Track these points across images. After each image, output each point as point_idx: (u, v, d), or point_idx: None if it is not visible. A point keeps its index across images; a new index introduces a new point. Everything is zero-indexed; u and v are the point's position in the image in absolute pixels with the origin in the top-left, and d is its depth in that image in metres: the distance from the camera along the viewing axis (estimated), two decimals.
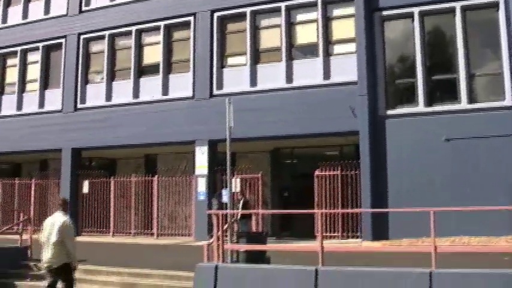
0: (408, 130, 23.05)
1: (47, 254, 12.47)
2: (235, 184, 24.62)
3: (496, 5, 22.60)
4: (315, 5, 25.50)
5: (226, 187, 23.57)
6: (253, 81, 26.37)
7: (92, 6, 31.14)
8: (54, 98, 31.52)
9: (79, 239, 27.57)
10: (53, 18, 32.18)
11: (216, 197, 25.22)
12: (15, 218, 28.15)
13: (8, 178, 33.10)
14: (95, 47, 30.98)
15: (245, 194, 25.68)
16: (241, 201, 24.51)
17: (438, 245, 12.05)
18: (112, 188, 29.45)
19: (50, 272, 12.49)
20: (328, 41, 25.25)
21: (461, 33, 22.80)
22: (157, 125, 27.80)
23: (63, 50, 31.48)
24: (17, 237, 20.46)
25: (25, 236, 20.11)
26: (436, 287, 11.31)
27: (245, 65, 26.66)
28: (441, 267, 11.66)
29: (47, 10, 32.66)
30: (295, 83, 25.56)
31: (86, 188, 29.96)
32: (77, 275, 17.33)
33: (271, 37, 26.47)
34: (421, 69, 23.18)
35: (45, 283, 12.94)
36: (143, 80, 29.24)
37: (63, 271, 12.46)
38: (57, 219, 12.57)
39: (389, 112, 23.57)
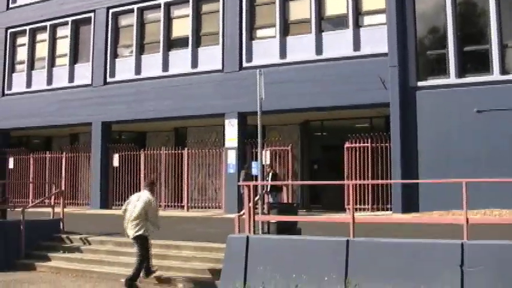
0: (439, 102, 22.88)
1: (129, 226, 14.38)
2: (265, 157, 24.67)
3: None
4: None
5: (256, 160, 23.66)
6: (283, 53, 26.29)
7: None
8: (84, 73, 31.73)
9: (110, 212, 27.98)
10: None
11: (244, 169, 25.29)
12: (47, 191, 28.52)
13: (39, 152, 33.45)
14: (124, 21, 31.05)
15: (274, 167, 25.78)
16: (271, 174, 24.60)
17: (470, 217, 12.00)
18: (142, 161, 29.66)
19: (134, 240, 14.40)
20: (358, 12, 25.06)
21: (493, 3, 22.46)
22: (187, 98, 27.89)
23: (92, 25, 31.61)
24: (49, 210, 20.69)
25: (57, 209, 20.32)
26: (467, 258, 11.30)
27: (274, 37, 26.56)
28: (473, 239, 11.64)
29: None
30: (324, 55, 25.44)
31: (116, 161, 30.21)
32: (110, 247, 17.65)
33: (301, 9, 26.31)
34: (453, 40, 22.91)
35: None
36: (172, 54, 29.29)
37: (138, 243, 14.33)
38: (142, 196, 14.56)
39: (420, 84, 23.38)
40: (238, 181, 24.20)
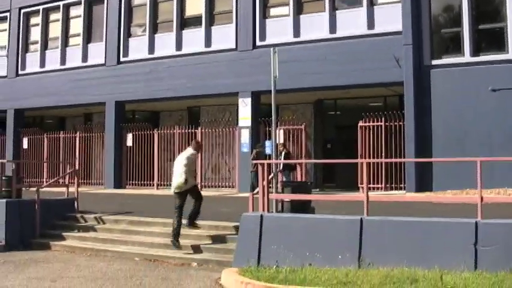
0: (454, 80, 22.79)
1: (176, 180, 15.65)
2: (279, 136, 24.69)
3: None
4: None
5: (269, 139, 23.69)
6: (296, 31, 26.22)
7: None
8: (97, 52, 31.75)
9: (124, 191, 28.13)
10: None
11: (256, 147, 25.31)
12: (61, 171, 28.68)
13: (53, 132, 33.60)
14: (137, 0, 31.00)
15: (287, 146, 25.80)
16: (283, 153, 24.63)
17: (484, 196, 11.98)
18: (155, 141, 29.76)
19: (180, 194, 15.57)
20: None
21: None
22: (200, 77, 27.89)
23: (105, 4, 31.57)
24: (63, 189, 20.79)
25: (71, 189, 20.43)
26: (481, 236, 11.28)
27: (288, 15, 26.48)
28: (487, 218, 11.63)
29: None
30: (338, 33, 25.37)
31: (129, 141, 30.31)
32: (124, 226, 17.75)
33: None
34: (468, 18, 22.74)
35: (175, 203, 15.65)
36: (185, 32, 29.27)
37: (193, 191, 15.91)
38: (186, 152, 16.12)
39: (435, 62, 23.27)
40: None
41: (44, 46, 34.20)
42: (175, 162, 16.21)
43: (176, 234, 15.27)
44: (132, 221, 17.88)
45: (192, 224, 15.89)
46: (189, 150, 16.15)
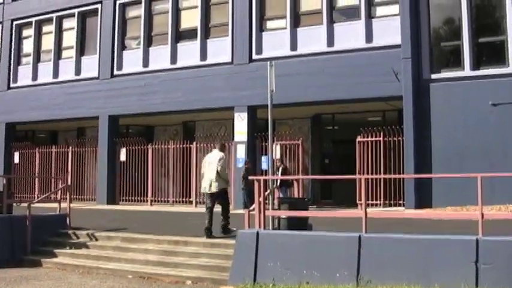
0: (453, 94, 22.78)
1: (206, 182, 16.55)
2: (275, 151, 24.67)
3: None
4: None
5: (266, 154, 23.67)
6: (294, 45, 26.23)
7: None
8: (91, 65, 31.75)
9: (117, 207, 28.04)
10: None
11: (245, 164, 25.32)
12: (53, 186, 28.60)
13: (45, 146, 33.54)
14: (131, 12, 31.06)
15: (284, 161, 25.79)
16: (280, 169, 24.63)
17: (485, 212, 11.96)
18: (150, 156, 29.70)
19: (211, 196, 16.56)
20: (370, 3, 24.95)
21: None
22: (195, 91, 27.87)
23: (99, 16, 31.62)
24: (55, 205, 20.72)
25: (63, 204, 20.35)
26: (482, 254, 11.26)
27: (285, 28, 26.52)
28: (488, 235, 11.60)
29: None
30: (336, 47, 25.37)
31: (123, 156, 30.25)
32: (117, 243, 17.68)
33: None
34: (468, 32, 22.76)
35: (207, 204, 16.67)
36: (181, 45, 29.28)
37: (221, 195, 16.61)
38: (215, 154, 16.86)
39: (434, 76, 23.28)
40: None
41: (37, 59, 34.21)
42: (205, 164, 17.00)
43: (225, 228, 16.50)
44: (125, 237, 17.82)
45: (227, 233, 16.50)
46: (219, 153, 16.90)
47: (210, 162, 16.69)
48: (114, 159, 30.53)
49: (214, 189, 16.46)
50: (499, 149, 21.70)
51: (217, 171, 16.39)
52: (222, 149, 17.18)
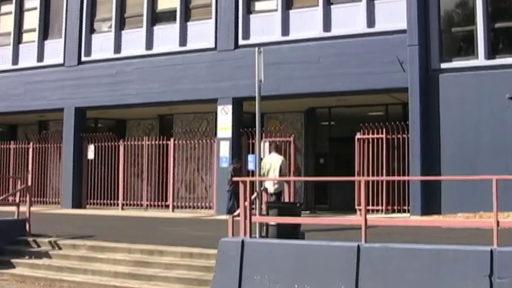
0: (466, 86, 22.81)
1: (271, 183, 19.14)
2: (263, 149, 24.61)
3: None
4: None
5: (252, 152, 23.61)
6: (285, 29, 26.19)
7: None
8: (55, 50, 31.61)
9: (84, 211, 27.96)
10: None
11: (233, 163, 25.22)
12: (11, 187, 28.48)
13: (3, 142, 33.42)
14: None
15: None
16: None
17: (500, 220, 11.93)
18: (121, 153, 29.63)
19: (276, 195, 19.40)
20: None
21: None
22: (174, 81, 27.82)
23: None
24: (13, 208, 20.59)
25: (23, 208, 20.23)
26: (497, 266, 11.24)
27: (276, 10, 26.46)
28: (504, 245, 11.57)
29: None
30: (333, 32, 25.35)
31: (91, 153, 30.19)
32: (83, 252, 17.59)
33: None
34: (482, 16, 22.77)
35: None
36: (157, 29, 29.20)
37: (278, 197, 19.54)
38: (276, 157, 19.73)
39: (444, 65, 23.31)
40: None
41: None
42: (265, 165, 19.24)
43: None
44: (92, 246, 17.73)
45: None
46: (278, 155, 19.99)
47: (274, 166, 19.48)
48: (80, 157, 30.43)
49: (278, 189, 19.58)
50: None
51: (281, 174, 19.48)
52: (278, 150, 20.33)
